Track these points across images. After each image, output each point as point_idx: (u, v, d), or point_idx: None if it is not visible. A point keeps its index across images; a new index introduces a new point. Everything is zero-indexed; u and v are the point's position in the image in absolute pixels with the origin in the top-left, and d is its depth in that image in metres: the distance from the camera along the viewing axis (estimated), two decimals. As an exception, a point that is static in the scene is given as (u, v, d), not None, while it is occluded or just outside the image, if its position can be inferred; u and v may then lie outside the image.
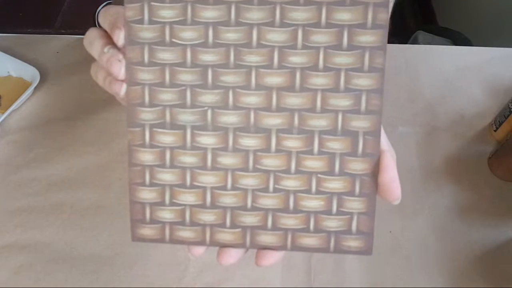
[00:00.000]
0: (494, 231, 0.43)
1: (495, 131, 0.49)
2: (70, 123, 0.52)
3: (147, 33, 0.27)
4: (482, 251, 0.42)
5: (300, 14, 0.26)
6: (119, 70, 0.27)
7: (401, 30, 1.47)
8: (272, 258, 0.28)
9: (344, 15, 0.26)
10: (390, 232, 0.43)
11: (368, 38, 0.26)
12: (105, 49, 0.28)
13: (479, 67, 0.57)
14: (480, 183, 0.47)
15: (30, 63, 0.55)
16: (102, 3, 0.52)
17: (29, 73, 0.54)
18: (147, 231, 0.29)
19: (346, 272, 0.41)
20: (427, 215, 0.40)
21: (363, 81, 0.26)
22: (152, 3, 0.26)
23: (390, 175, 0.27)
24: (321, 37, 0.26)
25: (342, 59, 0.26)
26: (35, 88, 0.54)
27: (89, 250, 0.43)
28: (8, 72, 0.56)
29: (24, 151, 0.50)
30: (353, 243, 0.27)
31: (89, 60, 0.45)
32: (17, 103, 0.52)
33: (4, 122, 0.52)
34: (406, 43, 1.10)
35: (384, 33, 0.26)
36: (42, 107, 0.54)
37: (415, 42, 1.15)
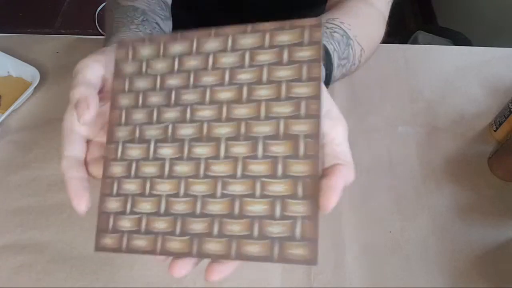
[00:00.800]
0: (494, 231, 0.43)
1: (495, 131, 0.49)
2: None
3: (130, 68, 0.33)
4: (482, 251, 0.42)
5: (245, 74, 0.31)
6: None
7: (401, 30, 1.47)
8: (221, 273, 0.28)
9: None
10: (390, 232, 0.43)
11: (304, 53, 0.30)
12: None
13: (479, 67, 0.57)
14: (480, 183, 0.47)
15: (30, 63, 0.55)
16: (102, 3, 0.52)
17: (29, 73, 0.54)
18: (108, 240, 0.31)
19: (346, 272, 0.41)
20: (427, 215, 0.40)
21: (302, 90, 0.29)
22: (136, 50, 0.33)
23: (331, 183, 0.27)
24: (264, 56, 0.30)
25: (283, 73, 0.30)
26: (35, 88, 0.54)
27: (89, 250, 0.43)
28: (8, 72, 0.56)
29: (24, 151, 0.50)
30: (297, 250, 0.27)
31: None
32: (17, 103, 0.52)
33: (4, 122, 0.52)
34: (406, 43, 1.10)
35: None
36: (42, 107, 0.54)
37: (415, 42, 1.15)
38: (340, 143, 0.29)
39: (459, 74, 0.56)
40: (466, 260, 0.42)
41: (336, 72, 0.42)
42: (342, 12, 0.47)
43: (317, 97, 0.29)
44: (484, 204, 0.45)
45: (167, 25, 0.54)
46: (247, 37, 0.31)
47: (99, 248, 0.31)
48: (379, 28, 0.49)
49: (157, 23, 0.50)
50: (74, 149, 0.33)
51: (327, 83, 0.41)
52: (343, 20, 0.45)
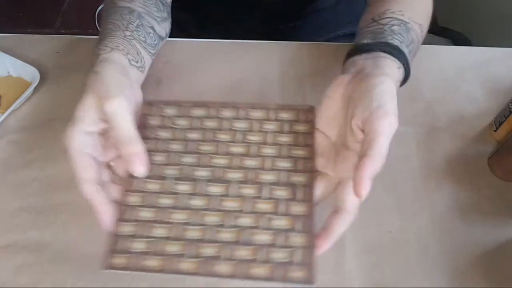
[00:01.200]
0: (494, 231, 0.43)
1: (495, 131, 0.49)
2: (70, 123, 0.52)
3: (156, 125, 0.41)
4: (482, 251, 0.42)
5: (254, 136, 0.40)
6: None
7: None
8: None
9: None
10: (390, 232, 0.43)
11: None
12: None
13: (479, 67, 0.57)
14: (480, 183, 0.47)
15: (30, 63, 0.55)
16: (102, 3, 0.52)
17: (29, 73, 0.54)
18: (118, 260, 0.34)
19: (346, 272, 0.41)
20: (427, 215, 0.40)
21: (299, 152, 0.38)
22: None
23: (360, 175, 0.31)
24: (269, 126, 0.40)
25: (284, 138, 0.39)
26: (35, 88, 0.54)
27: (89, 250, 0.43)
28: (8, 72, 0.56)
29: (24, 151, 0.50)
30: (296, 273, 0.32)
31: (89, 60, 0.46)
32: (17, 103, 0.52)
33: (4, 122, 0.52)
34: (406, 43, 1.10)
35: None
36: (42, 107, 0.54)
37: (415, 42, 1.15)
38: (379, 135, 0.33)
39: (459, 74, 0.56)
40: (466, 260, 0.42)
41: (410, 62, 0.43)
42: (387, 3, 0.48)
43: (311, 158, 0.37)
44: (484, 204, 0.45)
45: (164, 27, 0.54)
46: (256, 111, 0.40)
47: (108, 267, 0.34)
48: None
49: (152, 27, 0.50)
50: (91, 172, 0.37)
51: (407, 75, 0.43)
52: (393, 9, 0.46)
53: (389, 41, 0.42)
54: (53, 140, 0.50)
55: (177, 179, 0.37)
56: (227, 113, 0.40)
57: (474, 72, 0.56)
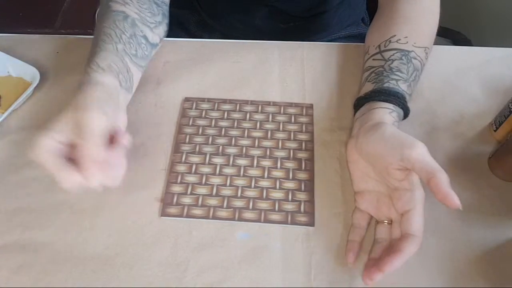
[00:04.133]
0: (494, 231, 0.43)
1: (495, 131, 0.49)
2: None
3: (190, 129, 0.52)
4: (482, 251, 0.42)
5: (269, 125, 0.52)
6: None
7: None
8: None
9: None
10: (390, 232, 0.43)
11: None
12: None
13: (479, 67, 0.57)
14: (480, 183, 0.47)
15: (30, 63, 0.55)
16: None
17: (29, 73, 0.54)
18: (172, 210, 0.45)
19: (346, 272, 0.41)
20: (427, 215, 0.40)
21: (302, 136, 0.51)
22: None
23: (443, 192, 0.37)
24: (280, 117, 0.53)
25: (291, 127, 0.52)
26: (35, 88, 0.54)
27: (89, 250, 0.43)
28: (8, 72, 0.56)
29: (24, 151, 0.50)
30: (302, 218, 0.45)
31: (89, 60, 0.44)
32: (17, 103, 0.52)
33: (4, 122, 0.52)
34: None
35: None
36: (42, 107, 0.54)
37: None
38: (422, 161, 0.39)
39: (459, 74, 0.56)
40: (466, 260, 0.42)
41: (409, 99, 0.48)
42: (394, 27, 0.51)
43: (311, 140, 0.50)
44: (485, 204, 0.45)
45: (158, 33, 0.54)
46: (270, 107, 0.53)
47: (164, 214, 0.45)
48: (433, 16, 0.53)
49: (145, 37, 0.50)
50: (73, 176, 0.38)
51: (406, 115, 0.48)
52: (399, 35, 0.50)
53: (384, 87, 0.47)
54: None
55: (213, 154, 0.49)
56: (248, 107, 0.53)
57: (474, 72, 0.56)
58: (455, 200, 0.36)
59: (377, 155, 0.42)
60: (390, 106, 0.46)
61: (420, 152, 0.39)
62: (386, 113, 0.45)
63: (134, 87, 0.49)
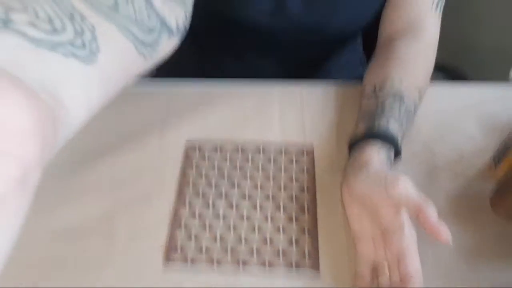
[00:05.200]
0: (499, 274, 0.43)
1: (494, 169, 0.50)
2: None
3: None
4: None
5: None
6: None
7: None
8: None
9: None
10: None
11: None
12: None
13: (475, 105, 0.57)
14: (483, 223, 0.46)
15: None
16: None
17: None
18: (176, 256, 0.45)
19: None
20: (431, 257, 0.40)
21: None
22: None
23: (430, 226, 0.37)
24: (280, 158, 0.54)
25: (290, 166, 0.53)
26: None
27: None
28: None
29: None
30: (306, 262, 0.44)
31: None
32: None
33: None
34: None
35: None
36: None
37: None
38: (408, 196, 0.40)
39: (456, 112, 0.57)
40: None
41: (401, 139, 0.48)
42: (389, 68, 0.52)
43: (312, 182, 0.51)
44: (488, 244, 0.45)
45: (171, 8, 0.33)
46: (271, 145, 0.54)
47: (167, 259, 0.44)
48: (429, 58, 0.55)
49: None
50: None
51: (397, 153, 0.48)
52: (394, 76, 0.51)
53: (374, 126, 0.47)
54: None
55: (216, 197, 0.50)
56: (249, 147, 0.54)
57: (470, 110, 0.57)
58: (443, 234, 0.36)
59: (365, 195, 0.42)
60: (378, 144, 0.46)
61: (403, 187, 0.39)
62: (374, 152, 0.45)
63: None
